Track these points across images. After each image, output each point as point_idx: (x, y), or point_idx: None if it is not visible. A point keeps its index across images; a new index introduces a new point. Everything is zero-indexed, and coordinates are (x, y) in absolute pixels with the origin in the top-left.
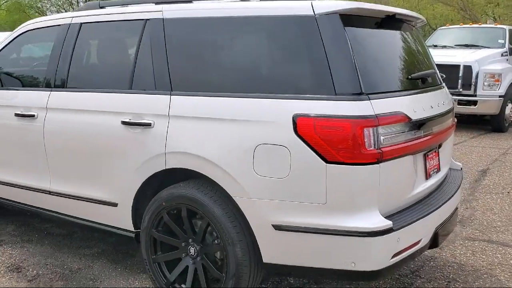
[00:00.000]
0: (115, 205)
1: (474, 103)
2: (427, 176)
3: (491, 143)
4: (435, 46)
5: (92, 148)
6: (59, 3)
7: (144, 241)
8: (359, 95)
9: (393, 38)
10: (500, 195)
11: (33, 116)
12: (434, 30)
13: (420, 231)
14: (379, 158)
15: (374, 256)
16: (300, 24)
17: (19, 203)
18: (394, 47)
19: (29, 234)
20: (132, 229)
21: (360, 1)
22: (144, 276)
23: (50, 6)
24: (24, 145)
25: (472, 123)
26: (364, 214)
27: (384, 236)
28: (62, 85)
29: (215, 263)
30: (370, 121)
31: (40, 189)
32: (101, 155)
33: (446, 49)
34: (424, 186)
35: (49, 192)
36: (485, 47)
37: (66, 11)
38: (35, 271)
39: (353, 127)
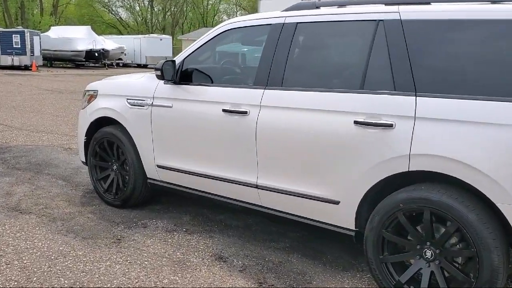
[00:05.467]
0: (336, 203)
1: None
2: None
3: None
4: None
5: (315, 146)
6: None
7: (371, 241)
8: None
9: None
10: None
11: (245, 112)
12: None
13: None
14: None
15: None
16: None
17: (215, 194)
18: None
19: (208, 225)
20: (353, 227)
21: None
22: (349, 274)
23: (116, 1)
24: (231, 139)
25: None
26: None
27: None
28: (277, 84)
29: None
30: None
31: (244, 183)
32: (325, 154)
33: None
34: None
35: (256, 186)
36: None
37: (132, 7)
38: (240, 262)
39: None
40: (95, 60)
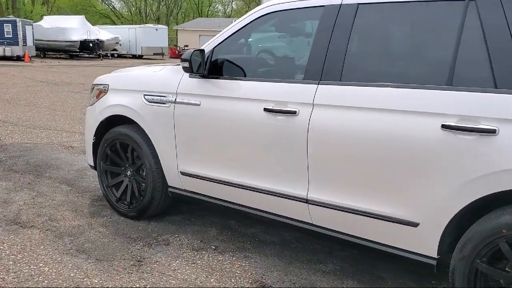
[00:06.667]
0: (414, 225)
1: None
2: None
3: None
4: None
5: (387, 155)
6: None
7: (462, 273)
8: None
9: None
10: None
11: (293, 112)
12: None
13: None
14: None
15: None
16: None
17: (252, 208)
18: None
19: (239, 241)
20: (435, 255)
21: None
22: None
23: None
24: (274, 144)
25: None
26: None
27: None
28: (335, 78)
29: None
30: None
31: (291, 196)
32: (402, 164)
33: None
34: None
35: (306, 201)
36: None
37: None
38: None
39: None
40: (90, 50)
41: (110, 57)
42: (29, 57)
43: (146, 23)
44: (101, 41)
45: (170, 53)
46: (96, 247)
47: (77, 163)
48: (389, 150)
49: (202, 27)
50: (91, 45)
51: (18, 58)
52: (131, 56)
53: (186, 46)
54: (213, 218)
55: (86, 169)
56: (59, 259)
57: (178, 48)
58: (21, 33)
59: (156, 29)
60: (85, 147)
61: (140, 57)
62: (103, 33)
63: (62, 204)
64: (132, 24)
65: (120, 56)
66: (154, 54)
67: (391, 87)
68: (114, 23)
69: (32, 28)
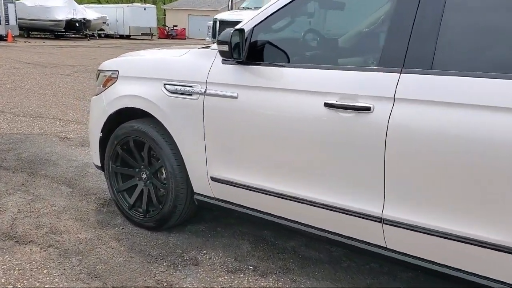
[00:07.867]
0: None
1: None
2: None
3: None
4: None
5: (502, 163)
6: None
7: None
8: None
9: None
10: None
11: (366, 109)
12: None
13: None
14: None
15: None
16: None
17: (306, 225)
18: None
19: (280, 258)
20: None
21: None
22: None
23: None
24: (339, 148)
25: None
26: None
27: None
28: (424, 65)
29: None
30: None
31: (359, 213)
32: None
33: None
34: None
35: (380, 220)
36: None
37: None
38: None
39: None
40: (76, 30)
41: (97, 37)
42: (12, 37)
43: (133, 2)
44: (88, 21)
45: (159, 34)
46: (111, 270)
47: (76, 158)
48: (507, 158)
49: (191, 6)
50: (77, 24)
51: (1, 38)
52: (118, 36)
53: (175, 26)
54: (242, 227)
55: (88, 165)
56: None
57: (167, 28)
58: (3, 11)
59: (145, 9)
60: (89, 143)
61: (127, 37)
62: (89, 12)
63: (64, 211)
64: (119, 3)
65: (108, 36)
66: (142, 34)
67: (508, 79)
68: (99, 2)
69: (15, 6)
